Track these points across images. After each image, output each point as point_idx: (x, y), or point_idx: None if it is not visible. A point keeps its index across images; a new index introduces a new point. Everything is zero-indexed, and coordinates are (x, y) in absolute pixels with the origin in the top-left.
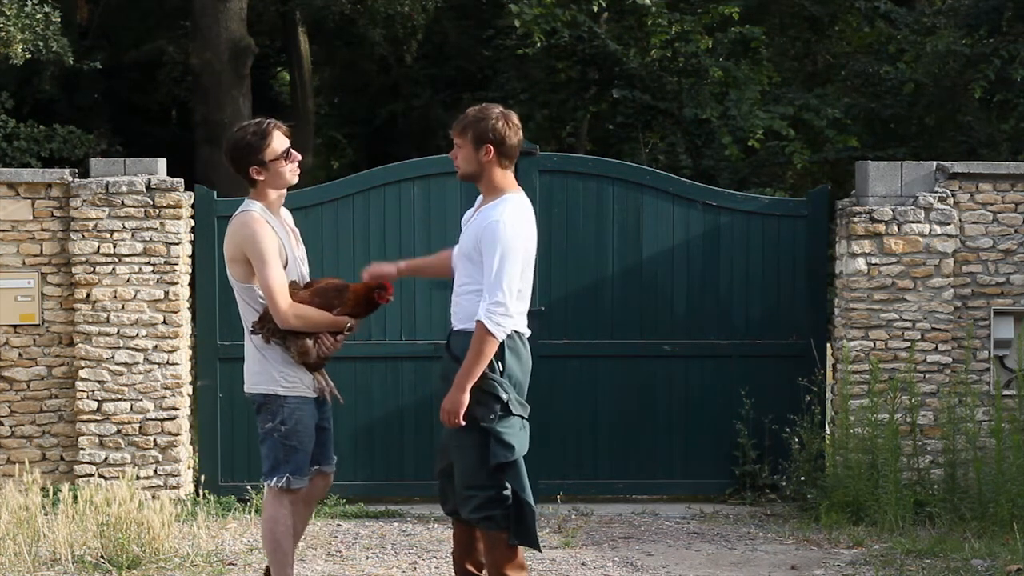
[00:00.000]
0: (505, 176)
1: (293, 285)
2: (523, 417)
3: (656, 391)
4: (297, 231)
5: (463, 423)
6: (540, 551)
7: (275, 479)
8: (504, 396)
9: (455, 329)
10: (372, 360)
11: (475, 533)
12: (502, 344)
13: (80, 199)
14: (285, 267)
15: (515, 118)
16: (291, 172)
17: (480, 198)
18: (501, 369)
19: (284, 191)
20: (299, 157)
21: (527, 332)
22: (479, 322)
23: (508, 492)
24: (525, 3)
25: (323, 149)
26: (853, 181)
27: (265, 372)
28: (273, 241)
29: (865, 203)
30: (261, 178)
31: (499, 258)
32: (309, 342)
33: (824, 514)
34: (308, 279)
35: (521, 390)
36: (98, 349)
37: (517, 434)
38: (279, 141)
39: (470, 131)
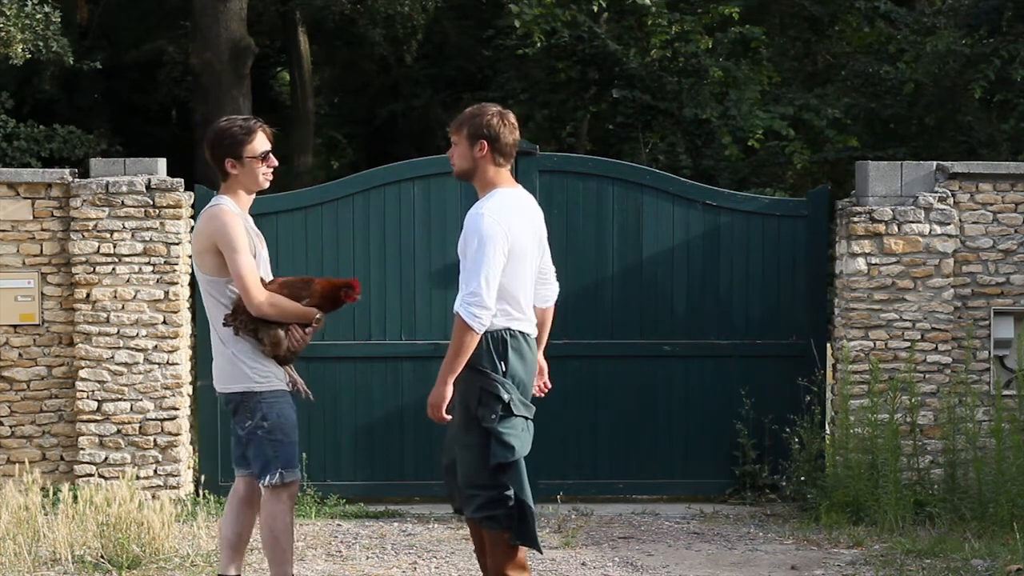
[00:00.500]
0: (499, 173)
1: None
2: (526, 418)
3: (656, 391)
4: (261, 235)
5: (447, 417)
6: (541, 552)
7: (268, 477)
8: (506, 396)
9: None
10: (372, 360)
11: None
12: (505, 343)
13: (80, 199)
14: (255, 260)
15: (512, 117)
16: (264, 176)
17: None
18: (504, 369)
19: (253, 196)
20: (275, 163)
21: (533, 332)
22: (456, 313)
23: (511, 492)
24: (525, 3)
25: (323, 149)
26: (853, 181)
27: (237, 370)
28: (243, 232)
29: (865, 203)
30: (235, 172)
31: (476, 248)
32: (281, 332)
33: (824, 514)
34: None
35: (525, 390)
36: (98, 349)
37: (519, 435)
38: (261, 142)
39: (465, 127)
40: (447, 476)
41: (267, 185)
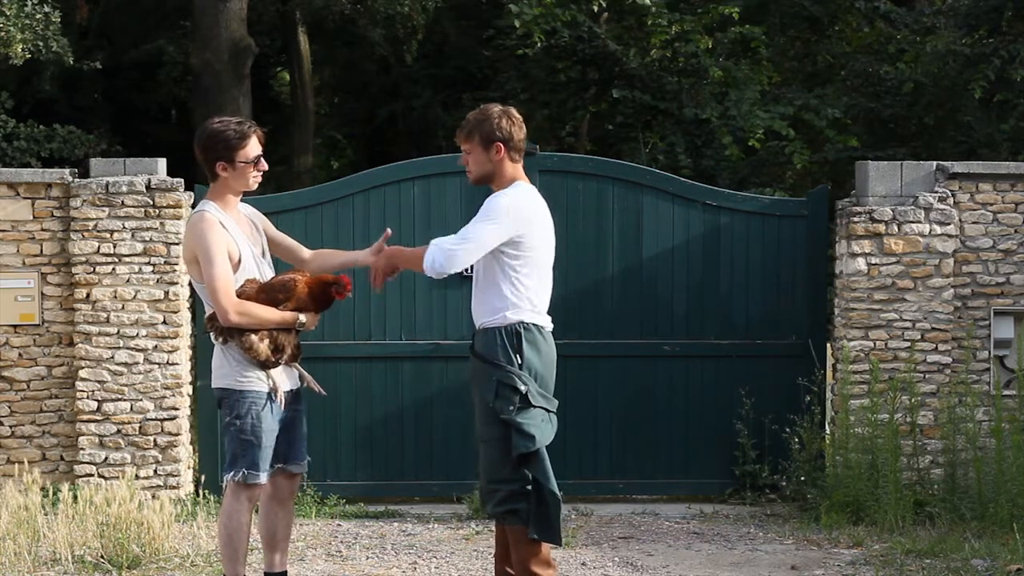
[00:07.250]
0: (516, 169)
1: (250, 282)
2: (546, 410)
3: (656, 391)
4: (260, 221)
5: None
6: (560, 545)
7: (232, 473)
8: (523, 388)
9: (478, 326)
10: (372, 360)
11: None
12: (519, 336)
13: (80, 199)
14: (240, 265)
15: (515, 112)
16: (254, 179)
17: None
18: (519, 362)
19: (241, 194)
20: (266, 167)
21: (548, 326)
22: (429, 246)
23: (531, 486)
24: (525, 3)
25: (323, 149)
26: (853, 181)
27: (225, 367)
28: (221, 240)
29: (865, 203)
30: (225, 175)
31: (483, 218)
32: (254, 338)
33: (824, 514)
34: (271, 276)
35: (544, 383)
36: (98, 349)
37: (539, 425)
38: (254, 147)
39: (477, 134)
40: (480, 478)
41: (255, 187)
